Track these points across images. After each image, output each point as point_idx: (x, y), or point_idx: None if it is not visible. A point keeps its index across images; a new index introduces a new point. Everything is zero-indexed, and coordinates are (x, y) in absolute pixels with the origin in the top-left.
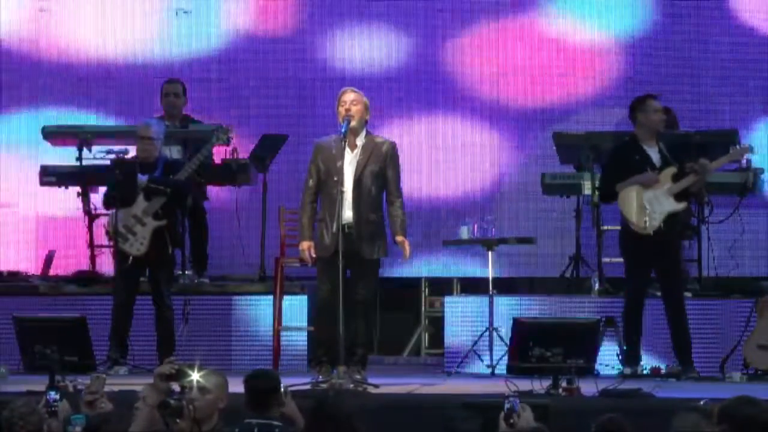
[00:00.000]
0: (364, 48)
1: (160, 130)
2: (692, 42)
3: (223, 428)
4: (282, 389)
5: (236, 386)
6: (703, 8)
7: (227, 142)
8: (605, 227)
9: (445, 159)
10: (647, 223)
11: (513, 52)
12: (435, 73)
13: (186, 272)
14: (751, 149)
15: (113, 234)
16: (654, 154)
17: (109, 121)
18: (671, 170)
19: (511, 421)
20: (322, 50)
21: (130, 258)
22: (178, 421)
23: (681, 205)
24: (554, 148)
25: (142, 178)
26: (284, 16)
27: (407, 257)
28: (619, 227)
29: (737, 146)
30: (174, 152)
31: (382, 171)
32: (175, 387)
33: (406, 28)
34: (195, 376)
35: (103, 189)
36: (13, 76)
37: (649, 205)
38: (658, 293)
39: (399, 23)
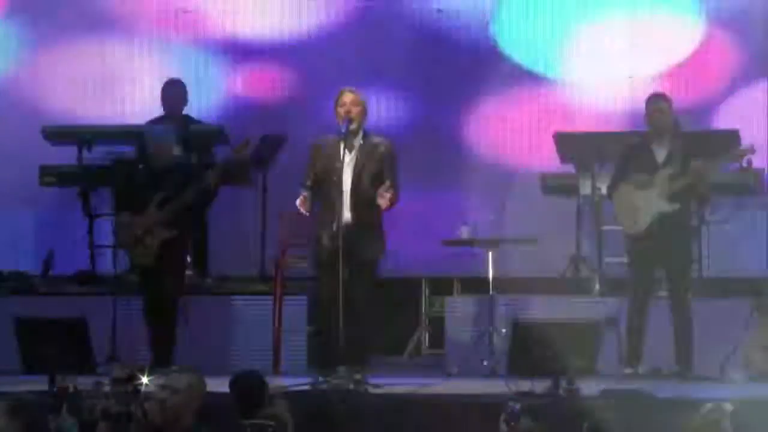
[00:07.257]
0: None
1: (170, 134)
2: None
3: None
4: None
5: None
6: None
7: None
8: (606, 227)
9: (446, 158)
10: (635, 224)
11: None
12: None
13: (187, 272)
14: (752, 150)
15: (121, 244)
16: (661, 154)
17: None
18: (668, 171)
19: (512, 423)
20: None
21: (137, 267)
22: (130, 424)
23: (673, 206)
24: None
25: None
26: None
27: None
28: (619, 227)
29: (738, 147)
30: (174, 152)
31: (380, 171)
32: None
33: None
34: (145, 379)
35: (103, 189)
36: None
37: (639, 205)
38: (660, 293)
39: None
